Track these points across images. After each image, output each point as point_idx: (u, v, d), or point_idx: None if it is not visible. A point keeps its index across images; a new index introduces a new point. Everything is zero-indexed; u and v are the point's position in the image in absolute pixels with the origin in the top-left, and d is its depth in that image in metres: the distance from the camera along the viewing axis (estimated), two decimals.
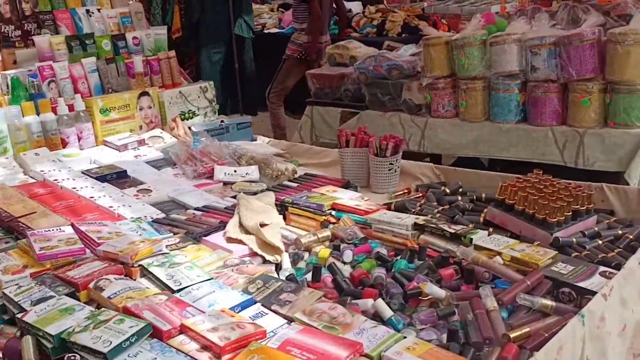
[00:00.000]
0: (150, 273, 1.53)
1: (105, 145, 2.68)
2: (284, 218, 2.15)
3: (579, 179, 3.56)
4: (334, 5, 6.35)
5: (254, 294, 1.47)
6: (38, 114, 2.56)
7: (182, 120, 2.95)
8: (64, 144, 2.61)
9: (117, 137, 2.69)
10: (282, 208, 2.17)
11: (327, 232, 1.91)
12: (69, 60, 2.83)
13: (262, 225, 1.89)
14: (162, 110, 2.90)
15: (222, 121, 2.94)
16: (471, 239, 1.78)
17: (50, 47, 2.81)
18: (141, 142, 2.68)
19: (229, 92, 6.56)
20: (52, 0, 3.01)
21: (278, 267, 1.75)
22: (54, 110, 2.60)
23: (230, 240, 1.86)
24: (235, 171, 2.48)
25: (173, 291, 1.46)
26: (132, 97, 2.78)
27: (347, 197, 2.19)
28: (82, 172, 2.36)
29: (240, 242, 1.84)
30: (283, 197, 2.19)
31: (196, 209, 2.13)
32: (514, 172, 3.84)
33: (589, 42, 3.10)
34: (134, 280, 1.53)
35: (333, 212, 2.09)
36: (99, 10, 3.06)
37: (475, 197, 2.26)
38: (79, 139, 2.65)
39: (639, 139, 3.00)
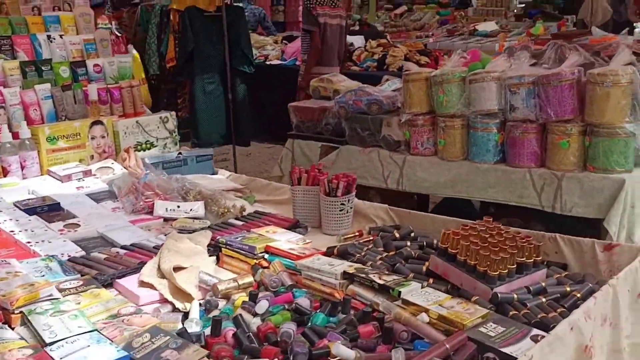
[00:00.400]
0: (29, 321, 1.39)
1: (50, 175, 2.58)
2: (218, 259, 2.02)
3: (561, 224, 3.40)
4: None
5: (136, 349, 1.32)
6: None
7: (139, 151, 2.84)
8: (5, 173, 2.50)
9: (63, 167, 2.58)
10: (215, 249, 2.03)
11: (249, 279, 1.77)
12: (23, 86, 2.75)
13: (179, 268, 1.75)
14: (116, 140, 2.79)
15: (179, 153, 2.82)
16: (399, 292, 1.62)
17: (3, 72, 2.73)
18: (87, 173, 2.57)
19: (223, 123, 6.49)
20: (14, 26, 2.95)
21: (186, 316, 1.60)
22: None
23: (143, 284, 1.72)
24: (178, 207, 2.35)
25: (45, 344, 1.32)
26: (82, 126, 2.68)
27: (284, 239, 2.04)
28: (14, 204, 2.25)
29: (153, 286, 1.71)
30: (219, 237, 2.06)
31: (122, 247, 2.00)
32: (508, 214, 3.72)
33: (567, 82, 2.96)
34: (13, 328, 1.40)
35: (266, 256, 1.95)
36: (61, 36, 2.99)
37: (425, 244, 2.11)
38: (22, 167, 2.54)
39: (619, 185, 2.83)
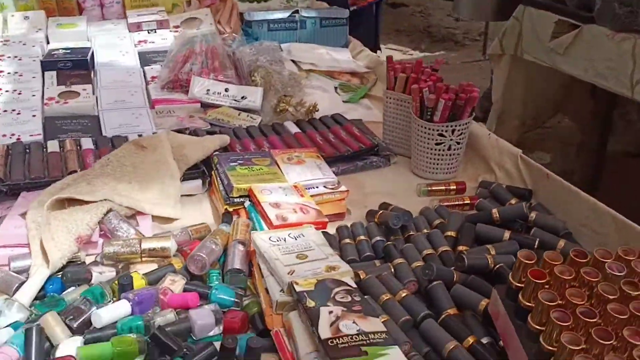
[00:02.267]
0: None
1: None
2: (210, 183, 1.36)
3: None
4: None
5: None
6: None
7: (252, 2, 2.18)
8: (81, 10, 2.09)
9: (139, 12, 2.05)
10: (207, 169, 1.37)
11: (165, 242, 1.08)
12: None
13: (80, 202, 1.14)
14: None
15: (296, 11, 2.07)
16: None
17: None
18: (163, 24, 2.01)
19: None
20: None
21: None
22: None
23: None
24: (226, 90, 1.69)
25: None
26: None
27: (295, 180, 1.27)
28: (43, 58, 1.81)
29: None
30: (216, 154, 1.37)
31: (95, 139, 1.44)
32: None
33: None
34: None
35: (246, 203, 1.23)
36: None
37: (538, 242, 1.14)
38: (102, 5, 2.10)
39: None
